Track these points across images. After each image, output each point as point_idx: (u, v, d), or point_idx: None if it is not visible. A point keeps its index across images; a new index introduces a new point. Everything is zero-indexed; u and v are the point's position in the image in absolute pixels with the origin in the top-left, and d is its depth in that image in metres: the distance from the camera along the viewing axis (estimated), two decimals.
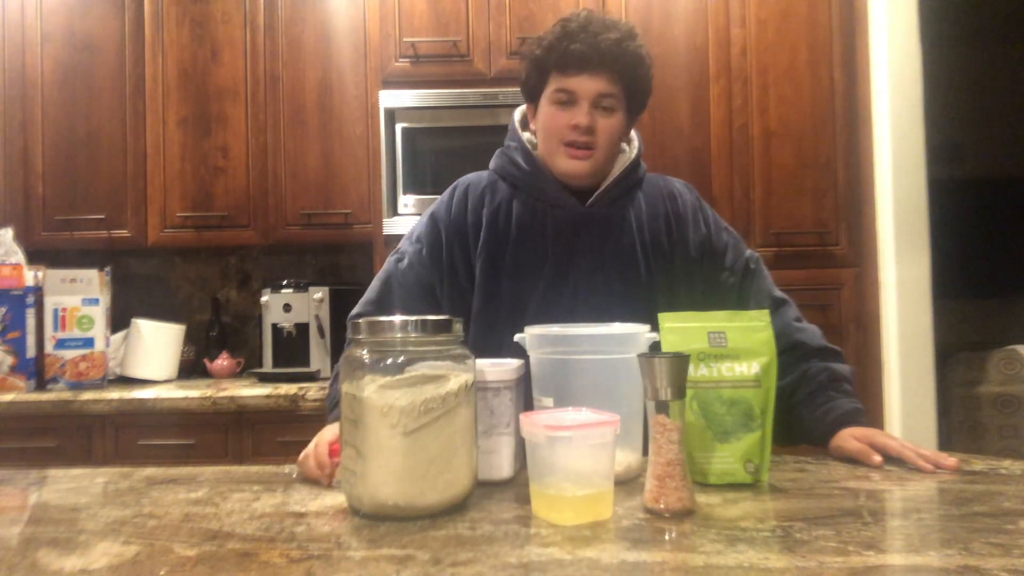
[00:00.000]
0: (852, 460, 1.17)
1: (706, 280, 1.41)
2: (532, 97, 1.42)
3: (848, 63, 2.76)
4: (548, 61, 1.36)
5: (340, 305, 2.77)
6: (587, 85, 1.33)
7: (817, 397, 1.26)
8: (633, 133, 1.48)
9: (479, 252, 1.39)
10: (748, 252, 1.45)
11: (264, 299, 2.81)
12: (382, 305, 1.39)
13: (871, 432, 1.20)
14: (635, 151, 1.46)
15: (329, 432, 1.20)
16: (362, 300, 1.44)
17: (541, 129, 1.40)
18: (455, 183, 1.48)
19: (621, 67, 1.34)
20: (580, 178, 1.38)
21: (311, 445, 1.18)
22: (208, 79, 2.85)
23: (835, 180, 2.75)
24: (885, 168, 2.69)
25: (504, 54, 2.68)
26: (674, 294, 1.38)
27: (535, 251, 1.38)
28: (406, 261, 1.43)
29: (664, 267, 1.39)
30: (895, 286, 2.65)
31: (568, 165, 1.36)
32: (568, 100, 1.35)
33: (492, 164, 1.48)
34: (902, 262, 2.66)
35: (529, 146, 1.44)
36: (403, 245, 1.47)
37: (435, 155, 2.72)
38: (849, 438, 1.19)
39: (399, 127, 2.70)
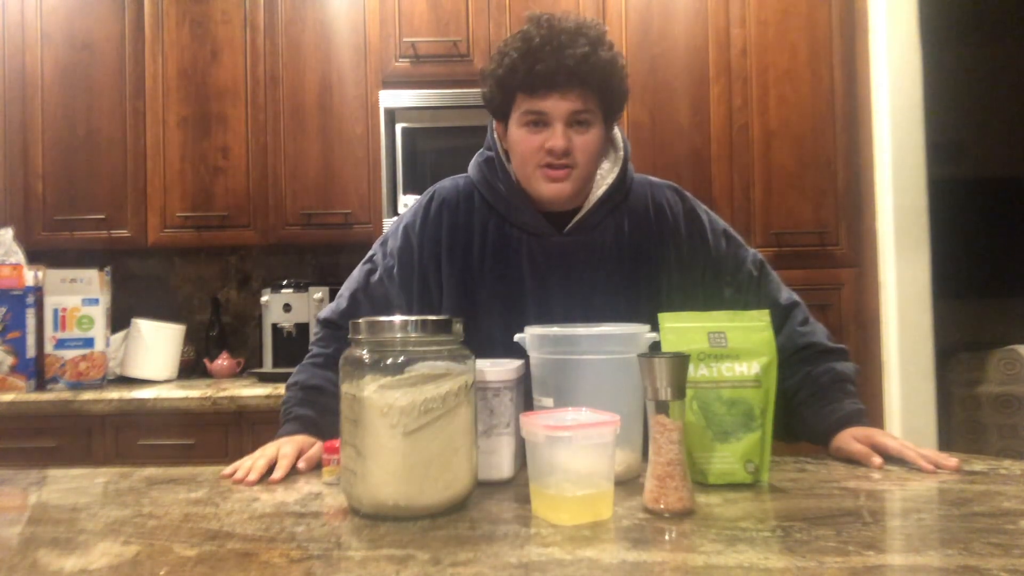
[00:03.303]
0: (852, 461, 1.17)
1: (707, 294, 1.35)
2: (499, 116, 1.34)
3: (848, 63, 2.76)
4: (512, 82, 1.26)
5: None
6: (559, 106, 1.24)
7: (819, 398, 1.26)
8: (618, 135, 1.39)
9: (451, 279, 1.33)
10: (751, 257, 1.39)
11: (264, 299, 2.81)
12: (352, 319, 1.33)
13: (871, 432, 1.20)
14: (620, 162, 1.36)
15: (288, 445, 1.20)
16: (332, 307, 1.41)
17: (514, 152, 1.31)
18: (431, 192, 1.41)
19: (593, 81, 1.24)
20: (561, 200, 1.30)
21: (259, 451, 1.19)
22: (208, 79, 2.85)
23: (835, 180, 2.75)
24: (885, 168, 2.69)
25: None
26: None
27: (512, 284, 1.31)
28: (377, 276, 1.38)
29: (654, 292, 1.32)
30: (895, 286, 2.66)
31: (547, 189, 1.28)
32: (539, 121, 1.26)
33: (471, 172, 1.40)
34: (902, 262, 2.66)
35: (504, 158, 1.36)
36: (376, 254, 1.41)
37: (435, 155, 2.72)
38: (850, 439, 1.19)
39: (399, 127, 2.71)
